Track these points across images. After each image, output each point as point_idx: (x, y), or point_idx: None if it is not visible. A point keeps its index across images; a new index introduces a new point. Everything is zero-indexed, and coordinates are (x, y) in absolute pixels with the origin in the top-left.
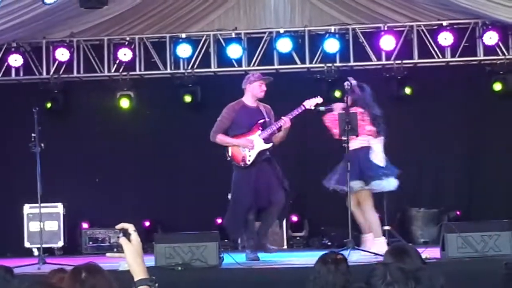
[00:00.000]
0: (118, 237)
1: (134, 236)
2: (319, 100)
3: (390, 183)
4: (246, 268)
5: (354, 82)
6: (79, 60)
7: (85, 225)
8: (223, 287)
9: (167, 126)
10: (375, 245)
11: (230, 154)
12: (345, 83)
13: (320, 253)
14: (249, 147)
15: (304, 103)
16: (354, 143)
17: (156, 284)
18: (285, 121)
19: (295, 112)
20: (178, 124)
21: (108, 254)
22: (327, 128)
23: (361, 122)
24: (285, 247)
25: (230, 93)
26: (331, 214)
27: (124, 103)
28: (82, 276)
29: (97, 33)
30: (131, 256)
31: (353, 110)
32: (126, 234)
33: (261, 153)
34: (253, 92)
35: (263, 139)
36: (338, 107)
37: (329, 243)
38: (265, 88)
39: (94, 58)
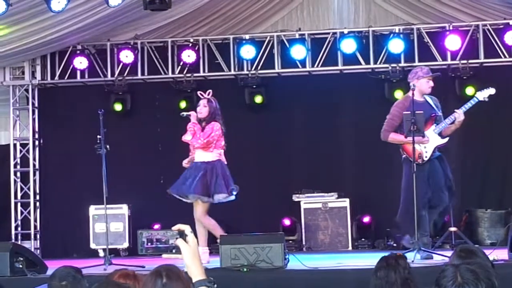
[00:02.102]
0: (176, 238)
1: (191, 237)
2: (492, 91)
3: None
4: (312, 269)
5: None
6: (143, 62)
7: (156, 226)
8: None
9: (231, 127)
10: None
11: (404, 152)
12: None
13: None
14: (425, 142)
15: (477, 95)
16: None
17: (215, 285)
18: (459, 114)
19: (468, 105)
20: (241, 125)
21: (164, 256)
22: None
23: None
24: (350, 248)
25: (294, 94)
26: (394, 216)
27: (185, 104)
28: (162, 279)
29: (161, 35)
30: (188, 258)
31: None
32: (182, 235)
33: (436, 149)
34: (420, 88)
35: (438, 133)
36: (193, 116)
37: (395, 245)
38: (432, 84)
39: (158, 60)
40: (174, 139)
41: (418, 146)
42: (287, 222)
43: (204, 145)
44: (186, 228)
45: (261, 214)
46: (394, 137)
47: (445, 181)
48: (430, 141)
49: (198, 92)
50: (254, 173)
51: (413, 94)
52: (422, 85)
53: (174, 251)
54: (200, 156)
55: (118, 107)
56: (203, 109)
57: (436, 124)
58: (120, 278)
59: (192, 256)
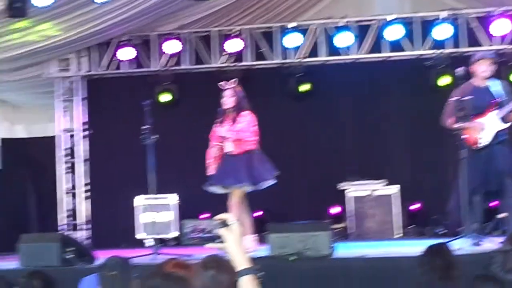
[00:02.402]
0: (220, 228)
1: (234, 226)
2: None
3: None
4: (358, 257)
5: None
6: (188, 52)
7: (203, 216)
8: (335, 276)
9: (276, 116)
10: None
11: (463, 136)
12: (458, 70)
13: (433, 242)
14: (480, 129)
15: None
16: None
17: (260, 273)
18: None
19: None
20: (287, 114)
21: (207, 245)
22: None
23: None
24: (399, 236)
25: (339, 82)
26: (447, 202)
27: None
28: (211, 271)
29: (206, 25)
30: (232, 246)
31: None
32: (226, 224)
33: (497, 134)
34: (475, 73)
35: (501, 118)
36: None
37: (444, 232)
38: (484, 69)
39: (203, 49)
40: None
41: (475, 132)
42: (334, 210)
43: (253, 136)
44: (229, 217)
45: (308, 203)
46: (450, 122)
47: (510, 167)
48: (489, 127)
49: (219, 84)
50: (301, 161)
51: (469, 79)
52: (475, 70)
53: (218, 240)
54: (238, 146)
55: (164, 97)
56: (228, 100)
57: (498, 108)
58: (175, 267)
59: (236, 245)
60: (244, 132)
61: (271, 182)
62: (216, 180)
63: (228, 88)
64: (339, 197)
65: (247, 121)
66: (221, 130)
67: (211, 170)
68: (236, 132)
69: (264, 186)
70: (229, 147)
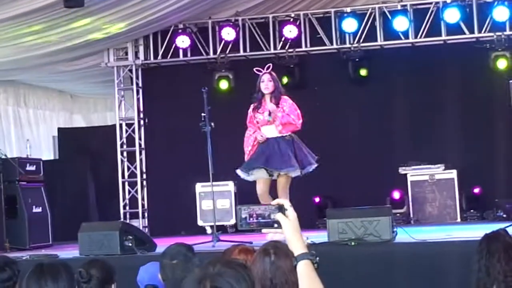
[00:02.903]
0: (277, 212)
1: (291, 211)
2: None
3: None
4: (420, 242)
5: None
6: (245, 38)
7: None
8: (397, 261)
9: (335, 101)
10: None
11: None
12: None
13: (494, 226)
14: None
15: None
16: None
17: (317, 258)
18: None
19: None
20: (345, 98)
21: (264, 230)
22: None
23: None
24: (459, 220)
25: (397, 66)
26: (507, 185)
27: (286, 80)
28: (271, 257)
29: (262, 11)
30: (289, 232)
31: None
32: (282, 209)
33: None
34: None
35: None
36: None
37: (505, 215)
38: None
39: (260, 36)
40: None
41: None
42: (396, 195)
43: (298, 119)
44: (286, 202)
45: (368, 188)
46: None
47: None
48: None
49: (255, 69)
50: (360, 146)
51: None
52: None
53: (275, 226)
54: (285, 128)
55: (223, 84)
56: (269, 84)
57: None
58: (241, 253)
59: (293, 230)
60: (292, 114)
61: (315, 165)
62: (260, 163)
63: (266, 73)
64: (399, 182)
65: (291, 103)
66: (268, 112)
67: (248, 156)
68: (287, 114)
69: (310, 170)
70: (272, 132)
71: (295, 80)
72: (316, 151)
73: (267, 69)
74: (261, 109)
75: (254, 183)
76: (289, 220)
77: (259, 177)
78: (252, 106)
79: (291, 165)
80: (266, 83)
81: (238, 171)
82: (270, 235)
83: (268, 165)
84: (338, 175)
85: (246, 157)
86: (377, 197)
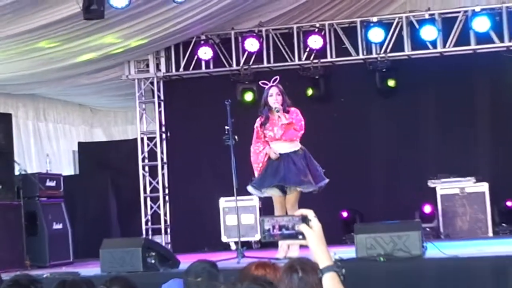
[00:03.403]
0: (301, 224)
1: (315, 222)
2: None
3: None
4: (451, 257)
5: None
6: (269, 49)
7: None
8: (427, 277)
9: (362, 112)
10: None
11: None
12: None
13: None
14: None
15: None
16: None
17: (343, 270)
18: None
19: None
20: (372, 110)
21: (288, 242)
22: None
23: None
24: (491, 234)
25: (425, 76)
26: None
27: (310, 91)
28: (298, 273)
29: (286, 21)
30: (313, 243)
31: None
32: (306, 220)
33: None
34: None
35: None
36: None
37: None
38: None
39: (284, 46)
40: (307, 127)
41: None
42: (426, 209)
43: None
44: (309, 213)
45: (396, 202)
46: None
47: None
48: None
49: (261, 82)
50: (388, 159)
51: None
52: None
53: (300, 237)
54: (288, 146)
55: (248, 97)
56: (278, 98)
57: None
58: (258, 269)
59: (317, 241)
60: (297, 123)
61: (327, 180)
62: (277, 181)
63: (273, 86)
64: (428, 195)
65: (297, 114)
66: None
67: (259, 173)
68: (292, 119)
69: (323, 185)
70: (283, 147)
71: (320, 91)
72: (344, 164)
73: (274, 81)
74: (269, 125)
75: None
76: (313, 231)
77: (272, 195)
78: (258, 121)
79: (309, 182)
80: (275, 98)
81: (250, 188)
82: (284, 246)
83: (286, 182)
84: (366, 189)
85: (257, 174)
86: (406, 211)
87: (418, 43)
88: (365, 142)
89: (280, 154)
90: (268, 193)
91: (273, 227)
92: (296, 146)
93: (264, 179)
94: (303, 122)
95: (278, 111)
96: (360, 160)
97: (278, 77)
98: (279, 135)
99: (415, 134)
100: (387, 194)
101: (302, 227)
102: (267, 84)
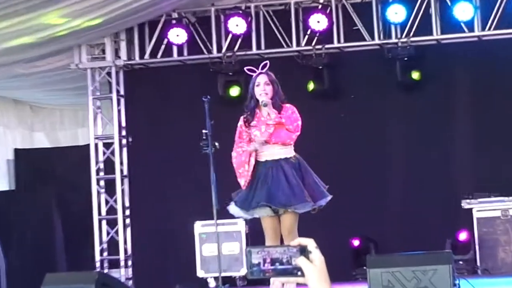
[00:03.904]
0: (299, 256)
1: (317, 254)
2: None
3: None
4: None
5: None
6: (259, 32)
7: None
8: None
9: (378, 110)
10: None
11: None
12: None
13: None
14: None
15: None
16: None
17: None
18: None
19: None
20: (391, 110)
21: (283, 279)
22: None
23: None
24: None
25: (459, 66)
26: None
27: (312, 85)
28: None
29: None
30: (314, 281)
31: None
32: (305, 252)
33: None
34: None
35: None
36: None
37: None
38: None
39: (278, 28)
40: (307, 130)
41: None
42: (460, 236)
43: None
44: (309, 243)
45: (420, 227)
46: None
47: None
48: None
49: (246, 68)
50: (408, 170)
51: None
52: None
53: (298, 273)
54: (278, 152)
55: (233, 91)
56: (267, 88)
57: None
58: None
59: (319, 278)
60: (292, 123)
61: (329, 197)
62: (263, 199)
63: (261, 73)
64: (462, 219)
65: (293, 112)
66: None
67: (245, 184)
68: (282, 117)
69: (323, 204)
70: (273, 152)
71: (324, 86)
72: (353, 179)
73: (263, 68)
74: (257, 122)
75: None
76: (314, 266)
77: (262, 216)
78: (242, 119)
79: (303, 200)
80: (262, 87)
81: (232, 208)
82: (276, 283)
83: (272, 201)
84: (382, 211)
85: (243, 182)
86: (433, 240)
87: (449, 25)
88: (381, 151)
89: (266, 162)
90: (257, 214)
91: (264, 261)
92: (289, 152)
93: (251, 196)
94: (299, 122)
95: (265, 105)
96: (374, 173)
97: (267, 62)
98: (267, 136)
99: (445, 141)
100: (409, 217)
101: (300, 261)
102: (254, 72)
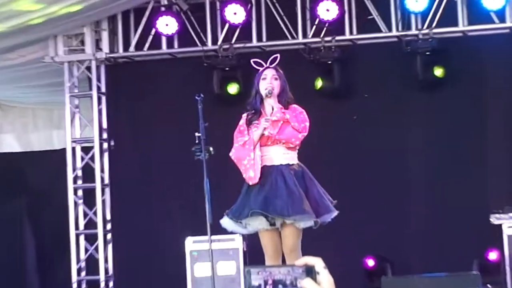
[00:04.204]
0: (305, 277)
1: (325, 275)
2: None
3: None
4: None
5: None
6: (260, 21)
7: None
8: None
9: (395, 115)
10: None
11: None
12: None
13: None
14: None
15: None
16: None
17: None
18: None
19: None
20: (411, 111)
21: None
22: None
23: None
24: None
25: (489, 62)
26: None
27: (320, 83)
28: None
29: None
30: None
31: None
32: (312, 273)
33: None
34: None
35: None
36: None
37: None
38: None
39: (282, 17)
40: (314, 134)
41: None
42: (489, 255)
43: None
44: (317, 263)
45: (443, 245)
46: None
47: None
48: None
49: (253, 61)
50: (431, 182)
51: None
52: None
53: None
54: (280, 155)
55: (231, 89)
56: (274, 83)
57: None
58: None
59: None
60: (300, 122)
61: (335, 213)
62: (257, 207)
63: (269, 67)
64: (490, 236)
65: (300, 112)
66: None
67: (255, 175)
68: (285, 113)
69: (328, 220)
70: (276, 155)
71: (334, 83)
72: (367, 191)
73: (272, 62)
74: (259, 121)
75: None
76: None
77: (257, 229)
78: (245, 117)
79: (303, 210)
80: (269, 81)
81: (225, 222)
82: None
83: (267, 209)
84: (400, 227)
85: (252, 174)
86: (457, 260)
87: (477, 15)
88: (398, 159)
89: (265, 167)
90: (252, 225)
91: (265, 282)
92: (292, 158)
93: (244, 204)
94: (307, 124)
95: (270, 94)
96: (391, 184)
97: (278, 55)
98: (272, 132)
99: (472, 148)
100: (430, 234)
101: (307, 283)
102: (262, 65)
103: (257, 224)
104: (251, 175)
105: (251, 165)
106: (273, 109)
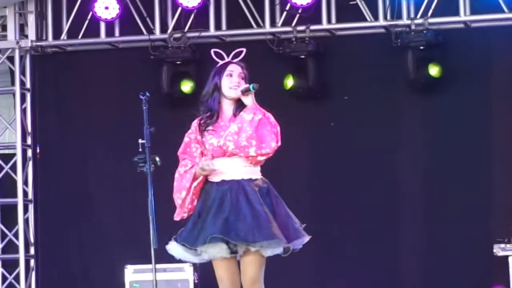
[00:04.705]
0: None
1: None
2: None
3: None
4: None
5: None
6: (220, 6)
7: None
8: None
9: (382, 121)
10: None
11: None
12: None
13: None
14: None
15: None
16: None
17: None
18: None
19: None
20: (400, 117)
21: None
22: None
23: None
24: None
25: (492, 57)
26: None
27: (291, 81)
28: None
29: None
30: None
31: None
32: None
33: None
34: None
35: None
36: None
37: None
38: None
39: (247, 2)
40: (282, 142)
41: None
42: None
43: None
44: None
45: (439, 279)
46: None
47: None
48: None
49: (213, 51)
50: (424, 200)
51: None
52: None
53: None
54: (242, 170)
55: (184, 87)
56: (241, 82)
57: None
58: None
59: None
60: (272, 127)
61: (307, 238)
62: (217, 231)
63: (233, 63)
64: (495, 269)
65: (269, 116)
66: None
67: (179, 215)
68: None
69: (299, 246)
70: (236, 169)
71: (308, 82)
72: (347, 212)
73: (236, 56)
74: (217, 126)
75: None
76: None
77: (214, 258)
78: (196, 122)
79: (273, 235)
80: (236, 79)
81: (173, 247)
82: None
83: (228, 234)
84: (391, 257)
85: (181, 213)
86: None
87: (482, 2)
88: (387, 174)
89: (222, 183)
90: (207, 253)
91: None
92: (254, 172)
93: (198, 228)
94: (278, 129)
95: (253, 89)
96: (377, 205)
97: (244, 49)
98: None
99: (474, 160)
100: (425, 266)
101: None
102: (222, 58)
103: (216, 252)
104: (177, 212)
105: (178, 204)
106: (234, 112)
